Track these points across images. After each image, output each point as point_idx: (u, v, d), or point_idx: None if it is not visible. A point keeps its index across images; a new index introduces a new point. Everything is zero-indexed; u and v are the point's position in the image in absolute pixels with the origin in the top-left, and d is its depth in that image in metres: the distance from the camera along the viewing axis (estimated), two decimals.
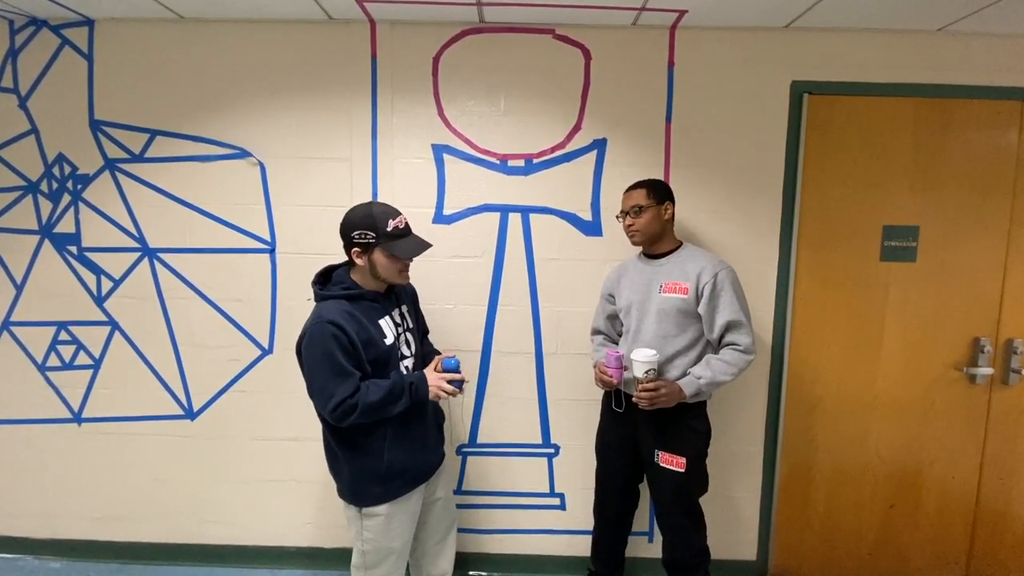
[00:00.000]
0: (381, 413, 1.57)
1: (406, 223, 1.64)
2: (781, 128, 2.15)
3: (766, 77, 2.13)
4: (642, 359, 1.74)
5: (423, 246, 1.65)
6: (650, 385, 1.74)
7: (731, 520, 2.34)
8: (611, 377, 1.84)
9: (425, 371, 1.67)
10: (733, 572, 2.34)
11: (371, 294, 1.65)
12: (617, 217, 1.97)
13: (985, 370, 2.19)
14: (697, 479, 1.90)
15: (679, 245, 1.95)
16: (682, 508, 1.91)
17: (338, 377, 1.52)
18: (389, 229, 1.59)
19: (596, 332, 2.13)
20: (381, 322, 1.65)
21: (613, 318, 2.07)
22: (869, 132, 2.14)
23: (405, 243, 1.62)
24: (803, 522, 2.34)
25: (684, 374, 1.83)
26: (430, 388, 1.63)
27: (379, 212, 1.61)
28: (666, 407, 1.77)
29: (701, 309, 1.82)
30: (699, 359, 1.86)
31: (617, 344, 2.05)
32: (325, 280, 1.69)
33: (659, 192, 1.91)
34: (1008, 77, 2.11)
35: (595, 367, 1.96)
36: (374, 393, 1.54)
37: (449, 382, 1.65)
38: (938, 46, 2.10)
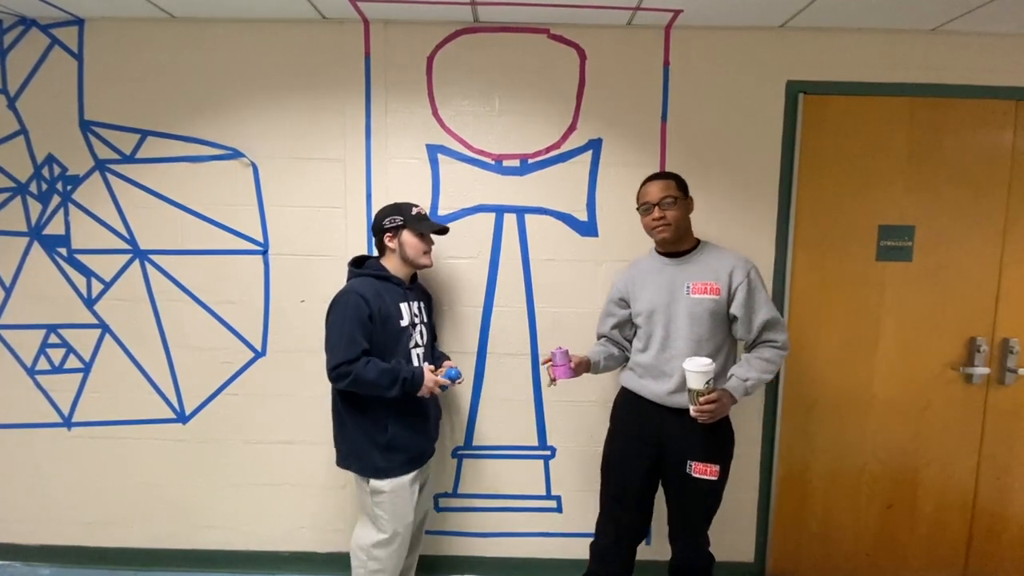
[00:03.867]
0: (372, 390, 1.74)
1: (425, 211, 1.95)
2: (776, 128, 2.14)
3: (761, 77, 2.13)
4: (699, 369, 1.58)
5: (442, 226, 1.95)
6: (713, 396, 1.61)
7: (728, 522, 2.29)
8: (557, 375, 1.76)
9: (425, 369, 1.83)
10: (730, 574, 2.33)
11: (396, 279, 1.88)
12: (642, 208, 1.82)
13: (981, 370, 2.19)
14: (725, 484, 1.84)
15: (698, 242, 1.86)
16: (707, 515, 1.85)
17: (346, 340, 1.72)
18: (414, 213, 1.88)
19: (600, 336, 2.03)
20: (401, 305, 1.86)
21: (622, 325, 1.94)
22: (864, 132, 2.14)
23: (428, 223, 1.92)
24: (800, 523, 2.33)
25: (720, 379, 1.75)
26: (424, 386, 1.80)
27: (403, 203, 1.92)
28: (721, 417, 1.68)
29: (736, 310, 1.73)
30: (728, 361, 1.80)
31: (629, 353, 1.95)
32: (358, 266, 1.91)
33: (683, 185, 1.82)
34: (1002, 77, 2.11)
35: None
36: (371, 371, 1.72)
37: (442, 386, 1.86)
38: (933, 46, 2.10)
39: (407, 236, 1.86)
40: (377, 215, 1.91)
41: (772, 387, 2.25)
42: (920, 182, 2.15)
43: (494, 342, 2.25)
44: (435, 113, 2.16)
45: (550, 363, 1.78)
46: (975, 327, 2.20)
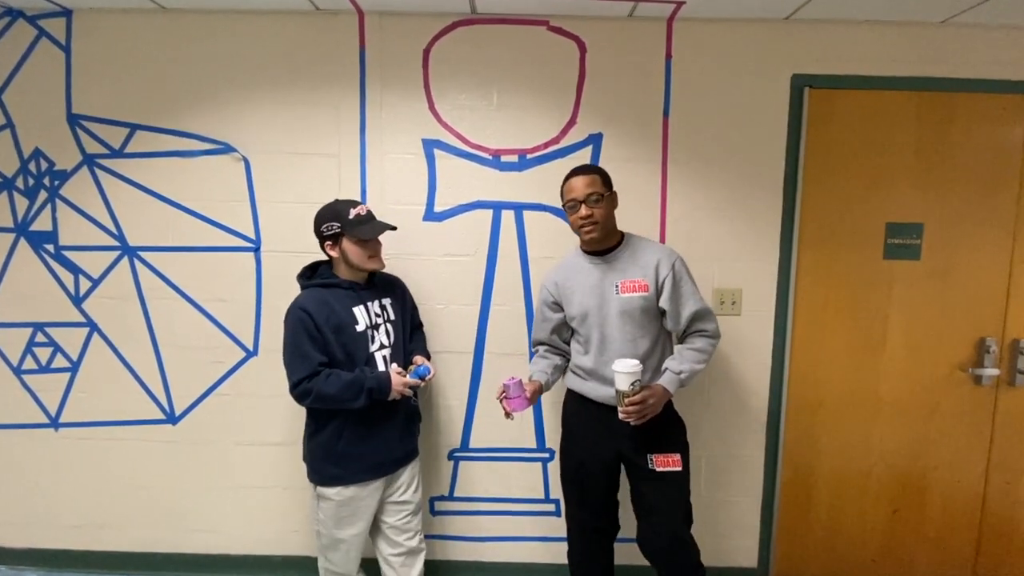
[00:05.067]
0: (337, 405, 1.69)
1: (368, 211, 1.79)
2: (781, 123, 2.09)
3: (766, 70, 2.08)
4: (626, 370, 1.57)
5: (384, 227, 1.78)
6: (637, 398, 1.57)
7: (731, 526, 2.28)
8: (512, 408, 1.66)
9: (391, 372, 1.76)
10: None
11: (347, 283, 1.78)
12: (567, 206, 1.74)
13: (991, 371, 2.14)
14: (689, 478, 1.79)
15: (623, 236, 1.81)
16: (683, 514, 1.77)
17: (298, 358, 1.67)
18: (351, 217, 1.73)
19: (539, 343, 1.95)
20: (355, 310, 1.76)
21: (560, 328, 1.88)
22: (871, 127, 2.09)
23: (368, 227, 1.76)
24: (805, 528, 2.28)
25: (657, 373, 1.73)
26: (393, 390, 1.73)
27: (341, 204, 1.77)
28: (653, 415, 1.64)
29: (664, 303, 1.72)
30: (663, 355, 1.77)
31: (569, 354, 1.90)
32: (311, 273, 1.83)
33: (608, 180, 1.75)
34: (1013, 70, 2.06)
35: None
36: (332, 385, 1.66)
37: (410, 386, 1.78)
38: (942, 38, 2.05)
39: (347, 244, 1.73)
40: (316, 218, 1.76)
41: (776, 388, 2.20)
42: (929, 179, 2.10)
43: (491, 342, 2.20)
44: (431, 107, 2.11)
45: (504, 396, 1.69)
46: (985, 327, 2.15)
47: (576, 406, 1.86)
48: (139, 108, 2.13)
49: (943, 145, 2.09)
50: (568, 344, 1.91)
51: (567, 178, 1.76)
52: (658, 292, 1.73)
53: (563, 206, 1.79)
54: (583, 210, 1.69)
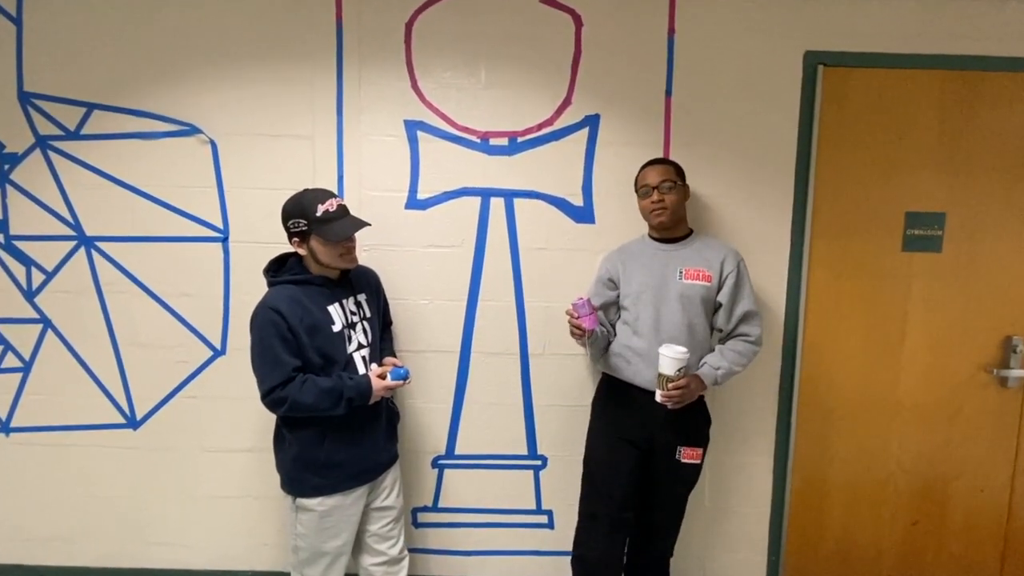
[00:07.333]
0: (315, 413, 1.58)
1: (339, 205, 1.63)
2: (793, 103, 1.98)
3: (777, 47, 1.96)
4: (674, 355, 1.62)
5: (357, 225, 1.64)
6: (682, 382, 1.66)
7: (737, 538, 2.16)
8: (588, 326, 1.66)
9: (371, 376, 1.66)
10: None
11: (319, 279, 1.65)
12: (640, 191, 1.82)
13: (1017, 372, 2.02)
14: (702, 465, 1.89)
15: (691, 231, 1.87)
16: (684, 499, 1.91)
17: (269, 364, 1.55)
18: (319, 214, 1.58)
19: None
20: (330, 308, 1.65)
21: (608, 307, 1.89)
22: (890, 108, 1.98)
23: (338, 226, 1.60)
24: (816, 541, 2.17)
25: (699, 365, 1.80)
26: (375, 393, 1.63)
27: (309, 198, 1.60)
28: (689, 402, 1.72)
29: (722, 298, 1.78)
30: (706, 351, 1.82)
31: (611, 338, 1.89)
32: (279, 267, 1.69)
33: (681, 171, 1.84)
34: None
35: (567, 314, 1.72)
36: (308, 394, 1.55)
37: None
38: (967, 13, 1.94)
39: (315, 243, 1.59)
40: (283, 211, 1.62)
41: (787, 390, 2.08)
42: (952, 165, 1.99)
43: (479, 340, 2.07)
44: (414, 85, 1.99)
45: (576, 316, 1.67)
46: (1011, 325, 2.04)
47: (613, 394, 1.90)
48: (97, 86, 2.00)
49: (968, 129, 1.98)
50: (612, 327, 1.91)
51: (642, 168, 1.85)
52: (719, 286, 1.80)
53: (636, 192, 1.86)
54: (655, 195, 1.78)
